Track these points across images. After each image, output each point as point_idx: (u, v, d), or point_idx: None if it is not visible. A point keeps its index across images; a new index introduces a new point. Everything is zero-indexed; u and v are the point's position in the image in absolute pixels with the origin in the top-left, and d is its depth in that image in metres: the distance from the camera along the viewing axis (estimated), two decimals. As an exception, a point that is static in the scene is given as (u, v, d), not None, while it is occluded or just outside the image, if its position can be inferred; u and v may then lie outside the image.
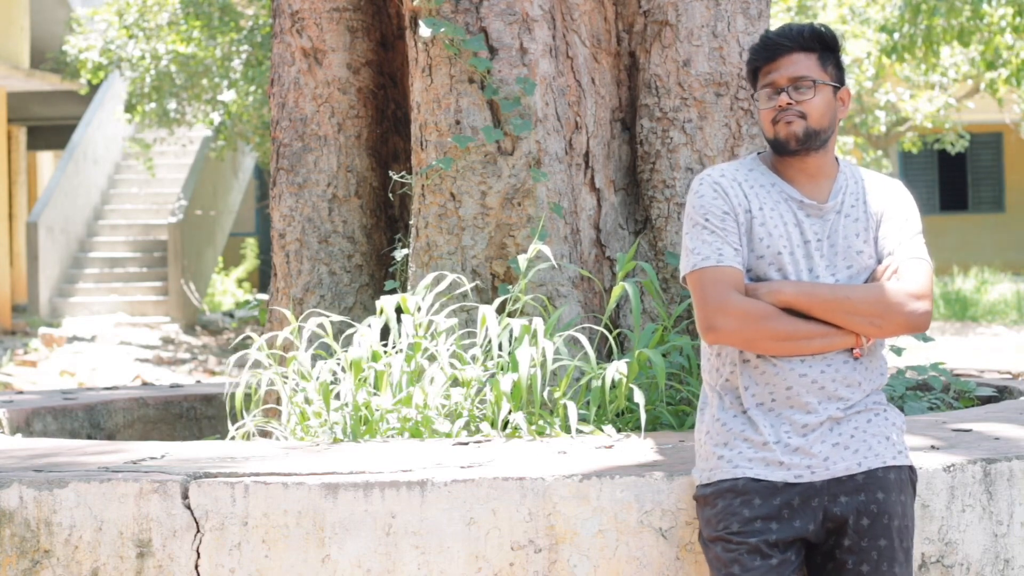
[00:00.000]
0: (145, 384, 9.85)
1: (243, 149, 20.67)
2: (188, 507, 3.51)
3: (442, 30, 4.88)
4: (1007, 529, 3.71)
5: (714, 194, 3.30)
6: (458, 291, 4.85)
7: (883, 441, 3.28)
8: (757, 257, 3.29)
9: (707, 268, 3.25)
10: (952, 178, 26.73)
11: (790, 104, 3.26)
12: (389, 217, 5.64)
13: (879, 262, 3.34)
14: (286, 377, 4.73)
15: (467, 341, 4.72)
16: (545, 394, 4.45)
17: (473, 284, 4.88)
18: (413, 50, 5.05)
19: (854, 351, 3.26)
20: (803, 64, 3.29)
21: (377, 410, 4.45)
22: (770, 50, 3.31)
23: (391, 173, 5.40)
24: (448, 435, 4.35)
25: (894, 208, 3.36)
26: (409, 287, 5.02)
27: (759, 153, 3.42)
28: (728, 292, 3.23)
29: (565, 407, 4.35)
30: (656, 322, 5.00)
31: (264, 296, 5.80)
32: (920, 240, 3.35)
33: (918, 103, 19.57)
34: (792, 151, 3.29)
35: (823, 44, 3.31)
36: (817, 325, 3.24)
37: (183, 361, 16.42)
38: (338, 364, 4.63)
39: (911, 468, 3.34)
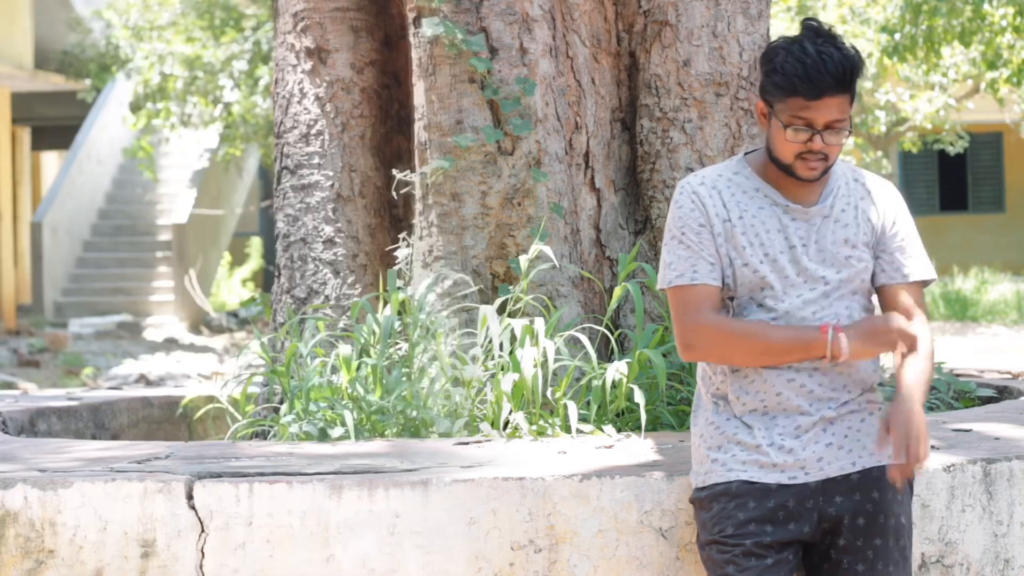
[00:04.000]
0: (149, 384, 9.87)
1: (247, 149, 20.70)
2: (192, 507, 3.52)
3: (443, 30, 4.89)
4: (1007, 529, 3.72)
5: (691, 205, 3.28)
6: (461, 292, 4.87)
7: (877, 440, 3.26)
8: (742, 265, 3.26)
9: (682, 286, 3.26)
10: (952, 178, 26.71)
11: (821, 149, 3.18)
12: (393, 216, 5.64)
13: (887, 271, 3.33)
14: (290, 377, 4.75)
15: (468, 341, 4.74)
16: (546, 394, 4.47)
17: (478, 288, 4.89)
18: (416, 50, 5.06)
19: (825, 359, 3.22)
20: (840, 105, 3.17)
21: (379, 410, 4.47)
22: (817, 89, 3.14)
23: (395, 172, 5.41)
24: (449, 435, 4.37)
25: (901, 222, 3.33)
26: (411, 287, 5.03)
27: (747, 153, 3.36)
28: (702, 310, 3.24)
29: (565, 407, 4.36)
30: (656, 322, 5.01)
31: (268, 295, 5.81)
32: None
33: (918, 103, 19.56)
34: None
35: (857, 79, 3.20)
36: (790, 338, 3.21)
37: (188, 361, 16.44)
38: (341, 364, 4.65)
39: None
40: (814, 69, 3.14)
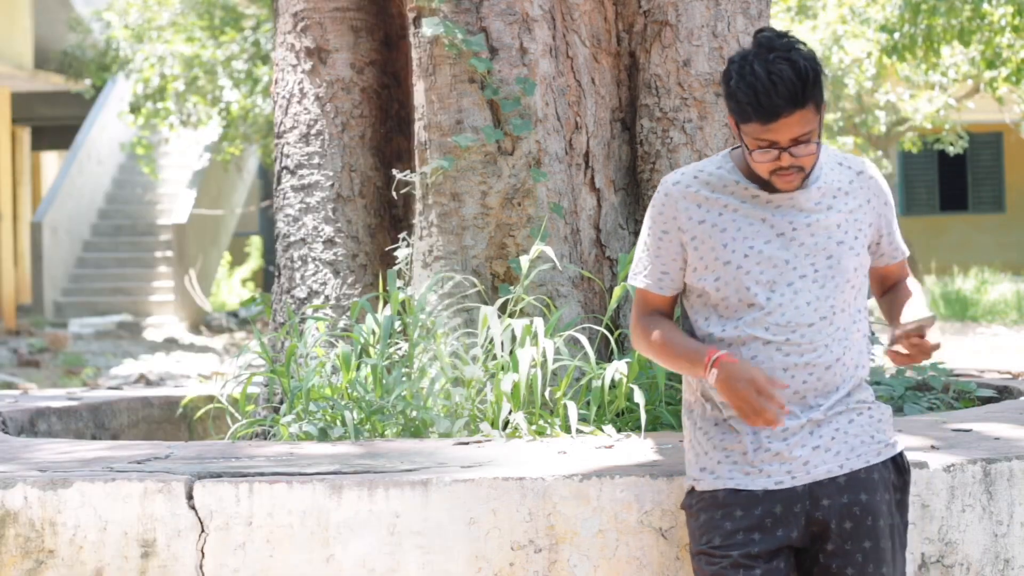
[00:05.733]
0: (149, 384, 9.87)
1: (247, 149, 20.72)
2: (192, 507, 3.53)
3: (443, 30, 4.90)
4: (1007, 529, 3.72)
5: (662, 207, 3.27)
6: (461, 292, 4.87)
7: (867, 441, 3.26)
8: (724, 263, 3.23)
9: (636, 285, 3.35)
10: (952, 178, 26.73)
11: (792, 164, 3.13)
12: (393, 216, 5.64)
13: (887, 252, 3.36)
14: (290, 377, 4.75)
15: (469, 341, 4.74)
16: (546, 394, 4.47)
17: (478, 287, 4.90)
18: (416, 50, 5.07)
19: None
20: (801, 120, 3.08)
21: (379, 410, 4.47)
22: (771, 113, 3.06)
23: (395, 172, 5.42)
24: (449, 435, 4.38)
25: (890, 202, 3.34)
26: (412, 287, 5.04)
27: (733, 149, 3.30)
28: (639, 315, 3.35)
29: (565, 407, 4.37)
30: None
31: (268, 295, 5.85)
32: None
33: (918, 103, 19.57)
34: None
35: (818, 88, 3.09)
36: (682, 356, 3.25)
37: (188, 361, 16.44)
38: (341, 364, 4.65)
39: (899, 456, 3.30)
40: (764, 95, 3.05)
